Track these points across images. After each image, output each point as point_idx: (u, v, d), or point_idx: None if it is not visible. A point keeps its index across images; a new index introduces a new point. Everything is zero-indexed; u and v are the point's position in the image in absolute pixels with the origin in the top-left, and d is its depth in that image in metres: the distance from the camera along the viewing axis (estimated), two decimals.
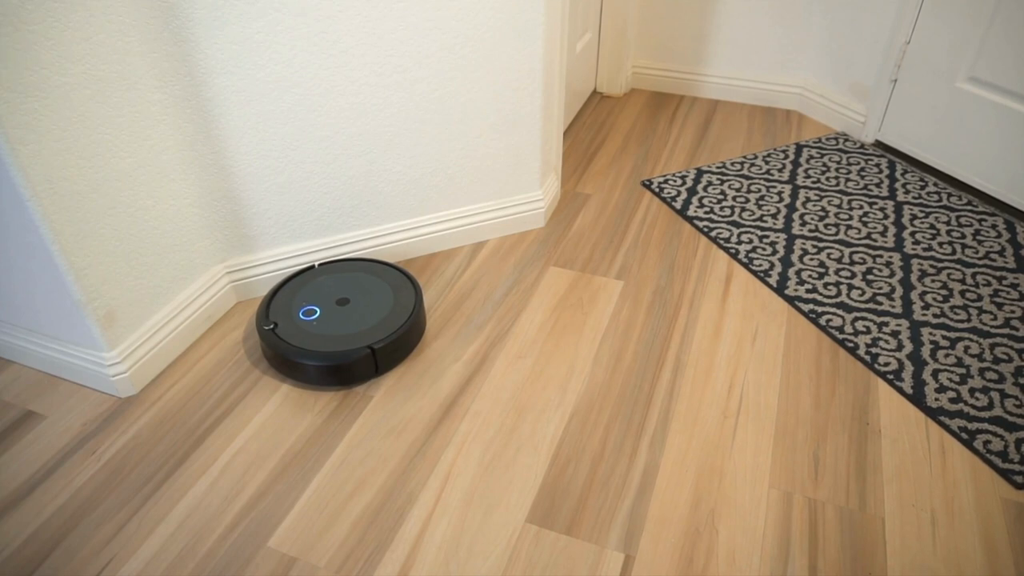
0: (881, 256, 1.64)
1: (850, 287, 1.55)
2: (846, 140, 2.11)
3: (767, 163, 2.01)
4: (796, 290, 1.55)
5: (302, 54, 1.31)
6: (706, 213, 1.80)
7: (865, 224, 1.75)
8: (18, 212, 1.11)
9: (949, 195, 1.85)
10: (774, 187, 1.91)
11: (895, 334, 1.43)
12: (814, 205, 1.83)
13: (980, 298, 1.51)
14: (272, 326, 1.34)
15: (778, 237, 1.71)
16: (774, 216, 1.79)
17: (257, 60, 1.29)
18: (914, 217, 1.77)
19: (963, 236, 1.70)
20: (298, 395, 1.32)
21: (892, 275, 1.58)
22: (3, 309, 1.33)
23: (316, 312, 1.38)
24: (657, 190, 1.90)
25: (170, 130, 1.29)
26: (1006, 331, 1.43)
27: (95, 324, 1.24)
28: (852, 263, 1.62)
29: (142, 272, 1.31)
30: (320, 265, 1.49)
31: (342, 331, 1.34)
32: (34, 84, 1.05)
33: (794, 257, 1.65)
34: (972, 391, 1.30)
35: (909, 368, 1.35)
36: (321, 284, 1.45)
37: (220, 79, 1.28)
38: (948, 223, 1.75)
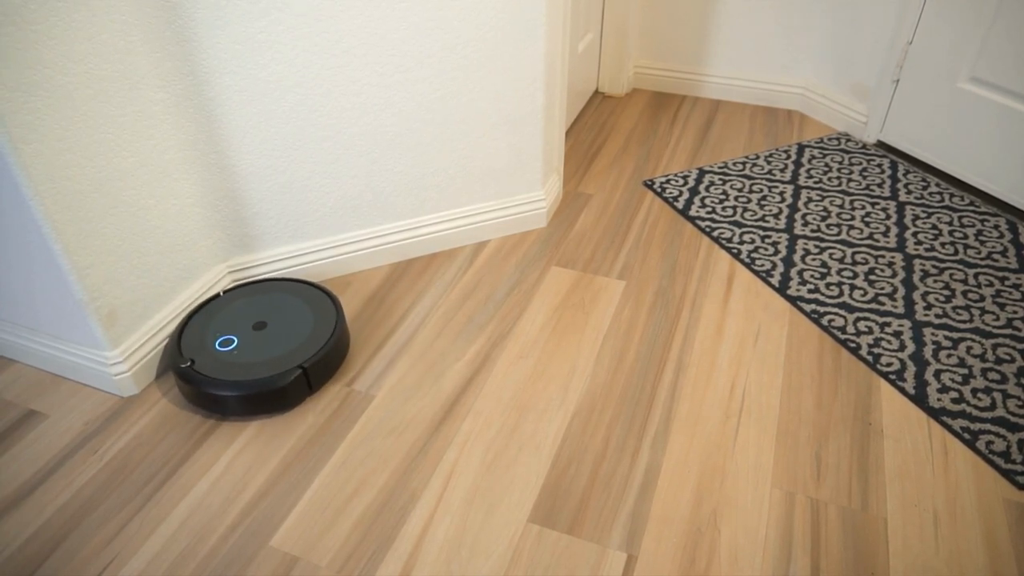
0: (883, 256, 1.64)
1: (852, 287, 1.55)
2: (848, 140, 2.11)
3: (769, 163, 2.01)
4: (798, 290, 1.54)
5: (304, 54, 1.31)
6: (708, 213, 1.80)
7: (867, 224, 1.75)
8: (20, 211, 1.11)
9: (951, 195, 1.85)
10: (776, 187, 1.91)
11: (897, 334, 1.42)
12: (816, 205, 1.83)
13: (982, 298, 1.51)
14: (189, 363, 1.26)
15: (780, 237, 1.71)
16: (776, 216, 1.79)
17: (259, 60, 1.29)
18: (916, 217, 1.77)
19: (965, 236, 1.70)
20: None
21: (894, 275, 1.58)
22: (5, 308, 1.33)
23: (234, 341, 1.32)
24: (659, 190, 1.90)
25: (172, 129, 1.29)
26: (1008, 331, 1.42)
27: (97, 323, 1.24)
28: (854, 263, 1.62)
29: (144, 271, 1.31)
30: (226, 292, 1.42)
31: (266, 356, 1.29)
32: (37, 83, 1.05)
33: (796, 257, 1.64)
34: (974, 391, 1.30)
35: (911, 368, 1.35)
36: (236, 309, 1.38)
37: (222, 79, 1.28)
38: (950, 223, 1.75)
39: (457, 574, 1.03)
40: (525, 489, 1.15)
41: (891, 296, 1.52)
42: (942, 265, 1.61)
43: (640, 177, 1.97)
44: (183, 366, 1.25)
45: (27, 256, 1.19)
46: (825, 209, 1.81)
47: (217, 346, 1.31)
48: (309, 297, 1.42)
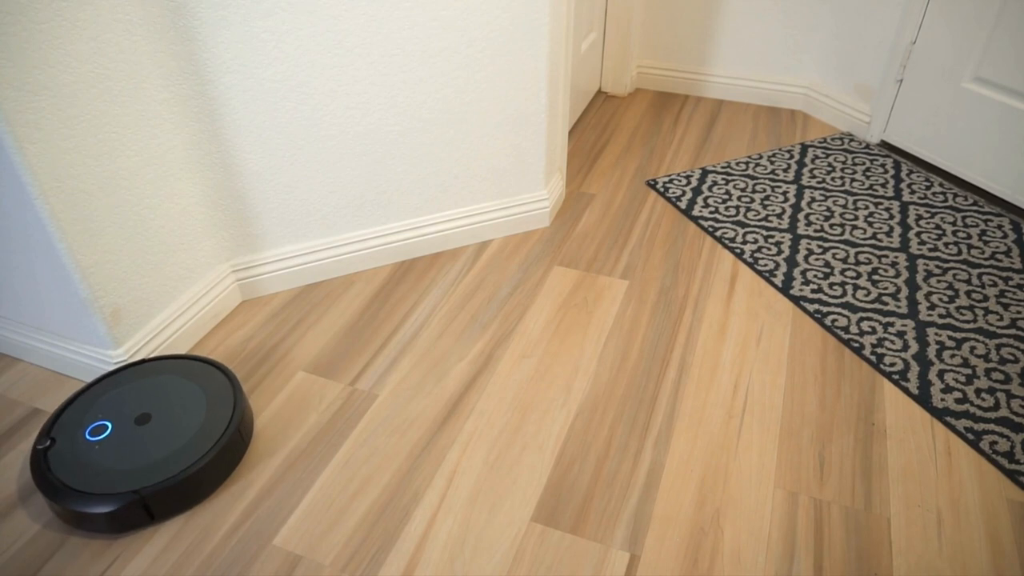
0: (887, 256, 1.64)
1: (855, 287, 1.55)
2: (851, 140, 2.11)
3: (772, 163, 2.01)
4: (801, 290, 1.54)
5: (308, 53, 1.32)
6: (711, 213, 1.80)
7: (870, 224, 1.75)
8: (25, 210, 1.12)
9: (955, 195, 1.85)
10: (779, 187, 1.90)
11: (901, 334, 1.42)
12: (819, 205, 1.83)
13: (986, 298, 1.51)
14: (48, 444, 1.06)
15: (783, 237, 1.71)
16: (779, 216, 1.79)
17: (263, 59, 1.29)
18: (920, 217, 1.77)
19: (969, 236, 1.70)
20: (305, 389, 1.32)
21: (898, 275, 1.58)
22: (10, 307, 1.33)
23: (108, 428, 1.11)
24: (662, 190, 1.90)
25: (176, 129, 1.30)
26: (1012, 331, 1.42)
27: (101, 322, 1.25)
28: (857, 263, 1.62)
29: (148, 270, 1.31)
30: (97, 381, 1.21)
31: (121, 466, 1.08)
32: (41, 83, 1.05)
33: (799, 257, 1.64)
34: (978, 392, 1.30)
35: (915, 368, 1.35)
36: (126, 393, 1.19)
37: (226, 78, 1.28)
38: (954, 223, 1.74)
39: (460, 573, 1.03)
40: (528, 488, 1.15)
41: (894, 296, 1.52)
42: (945, 265, 1.61)
43: (643, 177, 1.97)
44: (40, 447, 1.07)
45: (32, 255, 1.19)
46: (828, 209, 1.81)
47: (87, 434, 1.11)
48: (203, 380, 1.22)
